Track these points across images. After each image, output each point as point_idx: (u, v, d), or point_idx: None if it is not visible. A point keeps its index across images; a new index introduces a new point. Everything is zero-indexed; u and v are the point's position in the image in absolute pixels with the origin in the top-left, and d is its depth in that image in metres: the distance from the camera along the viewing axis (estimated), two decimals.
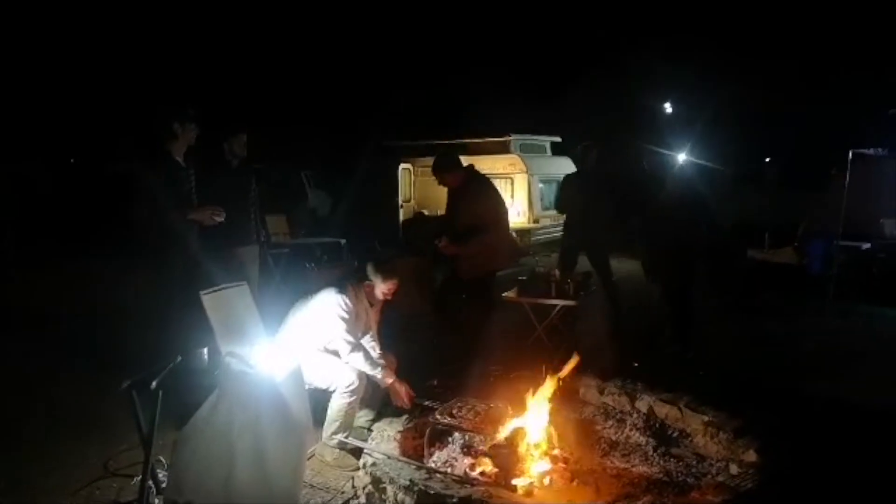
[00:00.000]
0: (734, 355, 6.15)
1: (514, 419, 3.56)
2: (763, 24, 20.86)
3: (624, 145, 13.40)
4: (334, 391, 3.84)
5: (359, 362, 3.87)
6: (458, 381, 4.55)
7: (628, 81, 20.39)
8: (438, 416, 3.65)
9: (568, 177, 7.34)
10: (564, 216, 7.26)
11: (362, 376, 3.89)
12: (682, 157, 13.81)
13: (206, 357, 4.42)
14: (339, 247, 8.78)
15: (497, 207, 5.46)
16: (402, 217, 12.89)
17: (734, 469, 3.34)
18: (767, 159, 15.34)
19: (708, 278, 6.54)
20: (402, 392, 3.99)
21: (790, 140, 17.24)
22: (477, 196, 5.23)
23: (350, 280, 4.11)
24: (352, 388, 3.82)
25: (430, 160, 11.82)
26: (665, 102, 22.08)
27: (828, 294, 7.19)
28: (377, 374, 3.95)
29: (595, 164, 7.00)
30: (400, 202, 13.06)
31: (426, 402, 4.03)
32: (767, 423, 3.72)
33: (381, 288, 4.08)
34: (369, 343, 4.17)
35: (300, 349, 3.84)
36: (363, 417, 4.13)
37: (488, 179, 5.69)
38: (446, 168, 5.20)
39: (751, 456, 3.40)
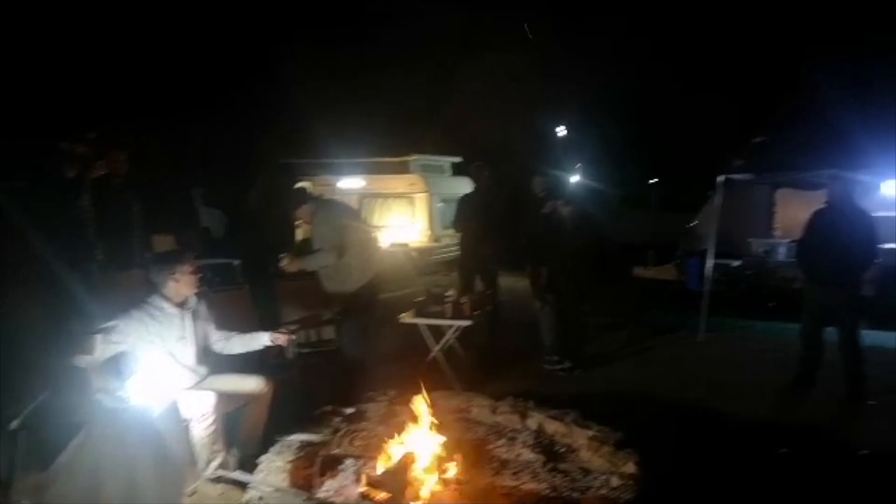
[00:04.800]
0: (619, 370, 6.47)
1: (406, 443, 3.56)
2: (651, 54, 22.21)
3: (517, 167, 13.89)
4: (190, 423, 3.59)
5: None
6: (353, 407, 4.49)
7: (525, 105, 21.13)
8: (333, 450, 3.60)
9: (464, 196, 7.57)
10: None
11: (210, 397, 3.66)
12: (574, 179, 14.48)
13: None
14: (231, 268, 8.44)
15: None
16: (300, 237, 12.59)
17: (615, 481, 3.48)
18: (651, 181, 16.39)
19: (594, 296, 6.85)
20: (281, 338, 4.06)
21: (672, 164, 18.52)
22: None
23: (141, 300, 3.80)
24: (203, 412, 3.59)
25: (330, 178, 11.81)
26: (558, 126, 23.06)
27: (703, 309, 7.74)
28: (257, 342, 4.06)
29: (487, 183, 7.24)
30: (298, 222, 12.75)
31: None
32: (647, 435, 3.92)
33: (177, 279, 3.80)
34: (224, 338, 4.07)
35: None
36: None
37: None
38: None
39: (631, 468, 3.57)
